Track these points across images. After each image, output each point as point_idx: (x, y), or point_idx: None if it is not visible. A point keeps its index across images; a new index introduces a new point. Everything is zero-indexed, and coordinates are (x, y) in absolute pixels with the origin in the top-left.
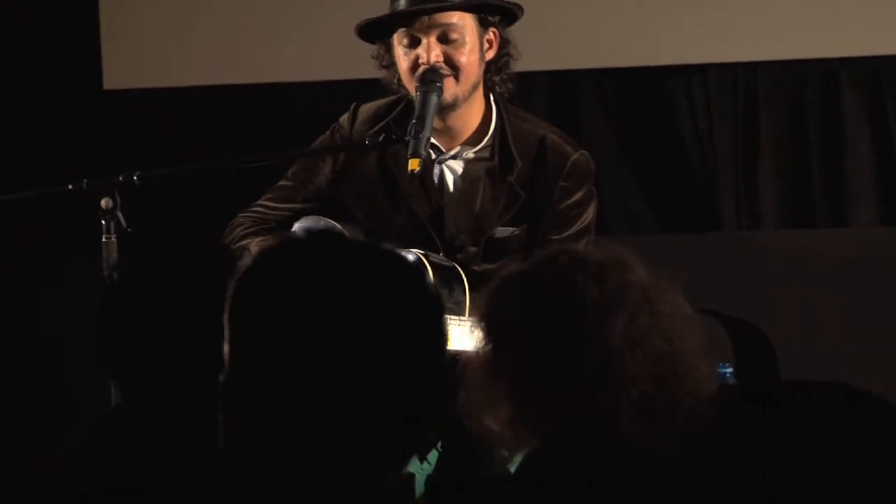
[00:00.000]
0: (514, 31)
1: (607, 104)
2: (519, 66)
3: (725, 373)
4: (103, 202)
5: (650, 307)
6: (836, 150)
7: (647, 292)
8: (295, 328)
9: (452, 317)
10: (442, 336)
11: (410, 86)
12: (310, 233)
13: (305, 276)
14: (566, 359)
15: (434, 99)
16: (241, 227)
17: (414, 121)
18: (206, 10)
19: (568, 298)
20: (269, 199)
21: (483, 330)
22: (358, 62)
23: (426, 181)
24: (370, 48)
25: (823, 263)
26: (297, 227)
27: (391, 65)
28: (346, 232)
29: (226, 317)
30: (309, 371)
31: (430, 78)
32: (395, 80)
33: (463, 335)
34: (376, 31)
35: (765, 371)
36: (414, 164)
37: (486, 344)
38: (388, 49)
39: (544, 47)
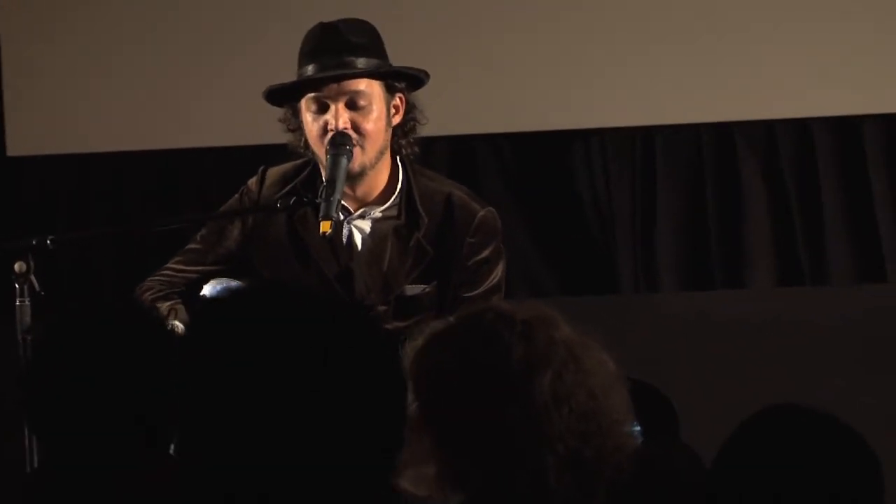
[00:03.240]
0: (416, 95)
1: (506, 168)
2: (420, 130)
3: (636, 431)
4: (17, 266)
5: (576, 364)
6: (732, 212)
7: (572, 349)
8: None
9: None
10: (398, 373)
11: (319, 150)
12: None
13: (251, 327)
14: (493, 415)
15: (344, 161)
16: (150, 291)
17: (325, 184)
18: (111, 76)
19: (494, 355)
20: (177, 262)
21: (409, 387)
22: (264, 127)
23: (335, 242)
24: (276, 112)
25: (721, 324)
26: (206, 289)
27: (298, 128)
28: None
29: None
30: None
31: (340, 141)
32: (302, 144)
33: None
34: (284, 96)
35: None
36: (325, 227)
37: (412, 400)
38: (295, 113)
39: (443, 112)
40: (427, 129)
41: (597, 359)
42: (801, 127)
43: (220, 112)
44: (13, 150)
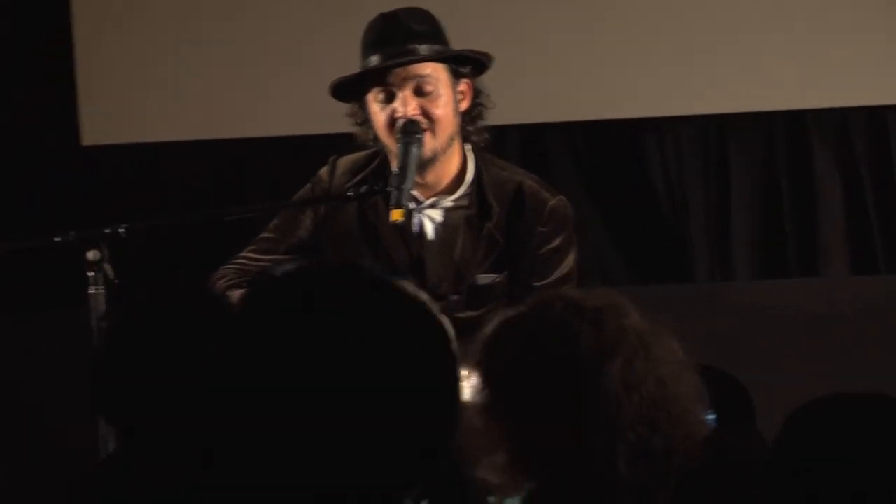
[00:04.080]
0: (487, 84)
1: (578, 157)
2: (490, 119)
3: (710, 419)
4: (90, 254)
5: (646, 352)
6: (806, 200)
7: (642, 337)
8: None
9: None
10: (453, 366)
11: (388, 140)
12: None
13: (312, 310)
14: (563, 404)
15: (415, 150)
16: (224, 280)
17: (396, 172)
18: (183, 66)
19: (564, 343)
20: (251, 251)
21: (479, 376)
22: (335, 116)
23: (406, 231)
24: (338, 103)
25: (796, 314)
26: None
27: (365, 122)
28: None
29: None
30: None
31: (410, 129)
32: (371, 138)
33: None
34: (350, 90)
35: (742, 421)
36: (397, 215)
37: (482, 389)
38: (363, 106)
39: (515, 101)
40: (499, 118)
41: (667, 346)
42: (876, 115)
43: (292, 101)
44: (88, 139)
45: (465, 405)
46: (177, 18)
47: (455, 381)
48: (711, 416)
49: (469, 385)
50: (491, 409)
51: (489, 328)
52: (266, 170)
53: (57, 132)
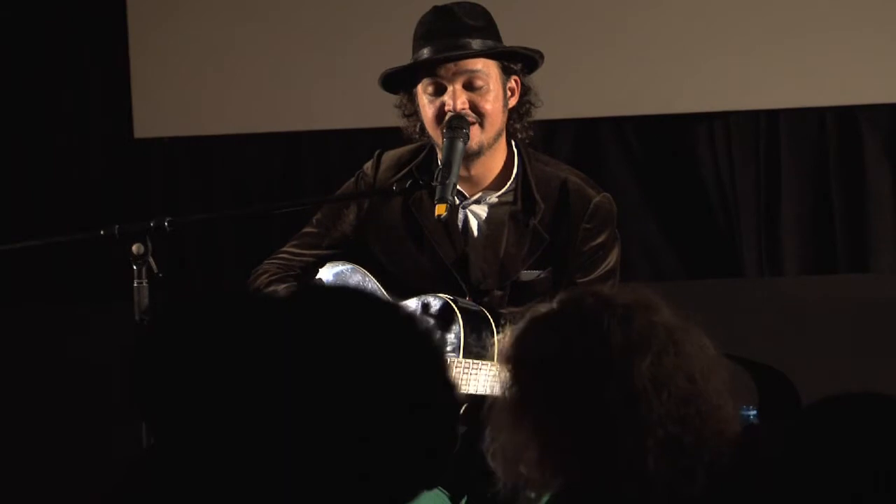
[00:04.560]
0: (540, 79)
1: (630, 151)
2: (543, 114)
3: (749, 415)
4: (135, 248)
5: (675, 348)
6: (857, 196)
7: (672, 333)
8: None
9: (480, 361)
10: (445, 380)
11: (435, 133)
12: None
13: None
14: (592, 399)
15: (460, 145)
16: (267, 275)
17: (441, 167)
18: (234, 60)
19: (594, 340)
20: (294, 246)
21: (509, 371)
22: (385, 110)
23: (451, 226)
24: (392, 96)
25: (846, 309)
26: (322, 272)
27: (413, 114)
28: (367, 277)
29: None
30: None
31: (456, 124)
32: (417, 130)
33: (490, 379)
34: (400, 81)
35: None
36: (441, 210)
37: (512, 385)
38: (411, 98)
39: (568, 96)
40: (552, 112)
41: (697, 343)
42: None
43: (341, 95)
44: (140, 132)
45: (496, 400)
46: (228, 13)
47: (449, 399)
48: (753, 412)
49: (500, 380)
50: (520, 405)
51: (520, 324)
52: (317, 163)
53: (111, 125)
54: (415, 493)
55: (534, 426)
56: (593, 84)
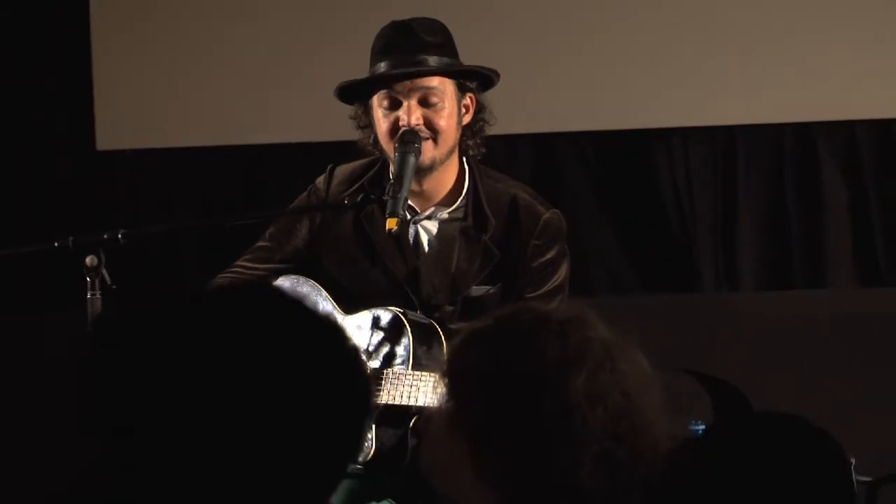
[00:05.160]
0: (499, 94)
1: (589, 166)
2: (503, 129)
3: (698, 430)
4: (88, 259)
5: (611, 364)
6: (813, 212)
7: (608, 349)
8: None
9: (428, 373)
10: (361, 393)
11: (388, 147)
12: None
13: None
14: (527, 414)
15: (412, 160)
16: None
17: (392, 181)
18: (194, 73)
19: (529, 355)
20: (247, 260)
21: (445, 385)
22: (344, 123)
23: (402, 241)
24: (349, 110)
25: (802, 324)
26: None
27: (368, 126)
28: (318, 290)
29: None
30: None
31: (409, 139)
32: (371, 142)
33: (433, 391)
34: (356, 93)
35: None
36: (392, 224)
37: (448, 399)
38: (367, 110)
39: (527, 111)
40: (511, 128)
41: (632, 359)
42: (882, 127)
43: (302, 108)
44: (102, 144)
45: (433, 413)
46: (190, 26)
47: (363, 404)
48: (701, 427)
49: (437, 395)
50: (456, 420)
51: (457, 339)
52: (278, 175)
53: (73, 137)
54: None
55: (469, 440)
56: (552, 100)
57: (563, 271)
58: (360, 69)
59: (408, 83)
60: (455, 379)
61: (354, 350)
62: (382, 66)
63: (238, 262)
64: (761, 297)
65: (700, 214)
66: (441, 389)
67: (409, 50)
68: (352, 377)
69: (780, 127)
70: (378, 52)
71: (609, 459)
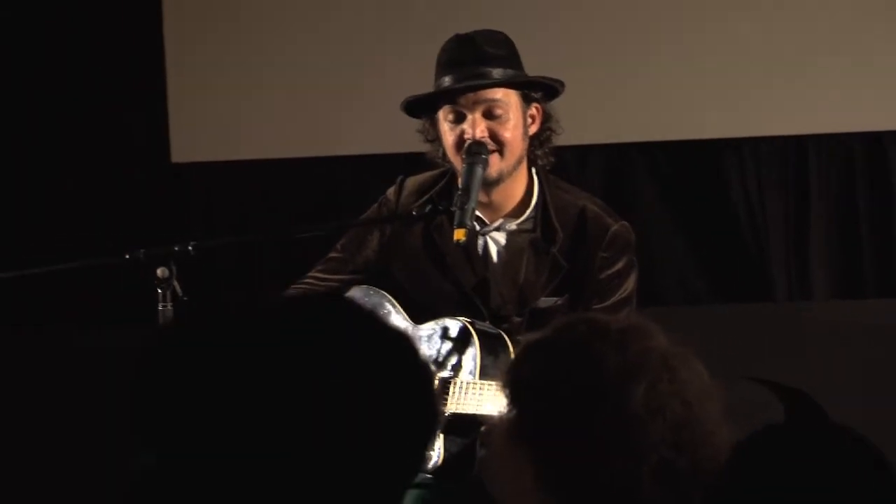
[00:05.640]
0: (571, 105)
1: (660, 176)
2: (575, 139)
3: None
4: (159, 271)
5: (670, 374)
6: (885, 221)
7: (666, 359)
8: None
9: (496, 382)
10: (427, 406)
11: (455, 159)
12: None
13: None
14: (586, 424)
15: (479, 171)
16: None
17: (459, 192)
18: (267, 86)
19: (587, 365)
20: (319, 271)
21: (506, 395)
22: (410, 135)
23: (471, 252)
24: (419, 122)
25: (874, 333)
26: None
27: (436, 139)
28: (389, 301)
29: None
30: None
31: (475, 150)
32: (440, 155)
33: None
34: (422, 107)
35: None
36: (459, 235)
37: (508, 409)
38: (434, 124)
39: (599, 122)
40: (583, 138)
41: (692, 369)
42: None
43: (372, 120)
44: (177, 156)
45: (494, 423)
46: (263, 40)
47: (430, 418)
48: None
49: (499, 406)
50: (516, 431)
51: (517, 350)
52: (352, 187)
53: (148, 149)
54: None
55: (528, 450)
56: (624, 110)
57: (630, 283)
58: (430, 80)
59: (471, 96)
60: (514, 388)
61: (424, 363)
62: (447, 80)
63: (310, 274)
64: (834, 306)
65: (772, 224)
66: (502, 399)
67: (473, 63)
68: (420, 390)
69: (850, 136)
70: (442, 66)
71: (669, 469)
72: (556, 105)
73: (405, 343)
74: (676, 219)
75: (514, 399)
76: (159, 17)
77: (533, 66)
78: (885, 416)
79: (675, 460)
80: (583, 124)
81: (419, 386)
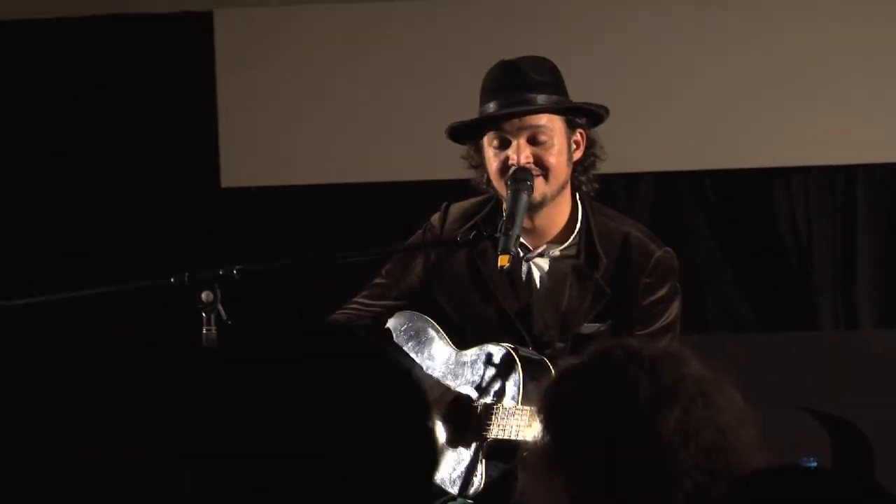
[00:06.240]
0: (619, 133)
1: (708, 204)
2: (624, 167)
3: (810, 466)
4: (204, 295)
5: (704, 400)
6: None
7: (700, 386)
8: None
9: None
10: (427, 434)
11: (500, 185)
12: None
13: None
14: (620, 451)
15: (524, 197)
16: None
17: (504, 218)
18: (316, 113)
19: (621, 392)
20: (364, 297)
21: (541, 421)
22: (457, 162)
23: (514, 278)
24: (463, 149)
25: None
26: (391, 323)
27: (480, 165)
28: (432, 326)
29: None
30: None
31: (520, 177)
32: (484, 181)
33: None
34: (466, 133)
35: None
36: (503, 261)
37: (543, 435)
38: (478, 150)
39: (648, 150)
40: (632, 166)
41: (726, 395)
42: None
43: (418, 147)
44: (227, 181)
45: (530, 448)
46: (313, 66)
47: (430, 450)
48: (813, 463)
49: (533, 431)
50: (551, 456)
51: (553, 375)
52: (400, 212)
53: (198, 174)
54: None
55: (563, 476)
56: (673, 138)
57: (674, 310)
58: (476, 107)
59: (516, 122)
60: (549, 414)
61: (421, 399)
62: (491, 107)
63: (355, 299)
64: (880, 334)
65: (819, 252)
66: (538, 425)
67: (517, 89)
68: (415, 426)
69: None
70: (487, 92)
71: (703, 495)
72: (606, 132)
73: (404, 377)
74: (723, 247)
75: (548, 424)
76: (211, 43)
77: (581, 94)
78: None
79: (710, 486)
80: (632, 152)
81: (415, 422)
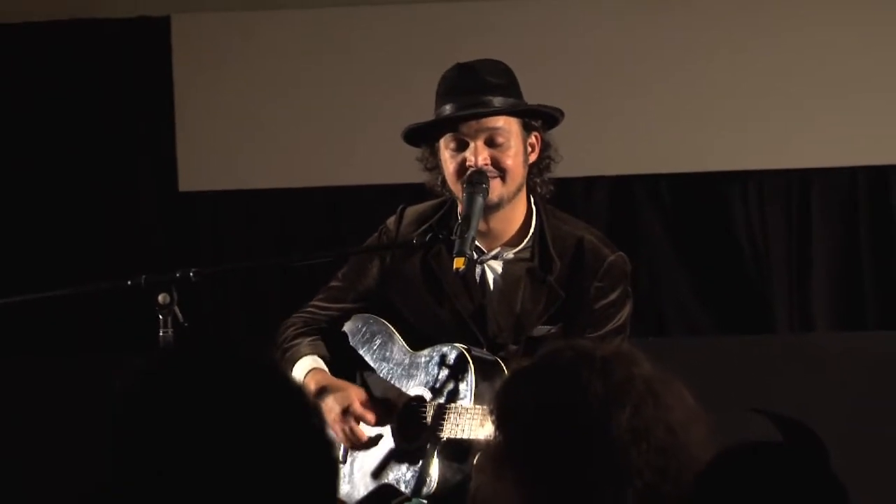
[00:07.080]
0: (577, 136)
1: (664, 208)
2: (580, 171)
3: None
4: (160, 297)
5: (654, 399)
6: (887, 253)
7: (651, 385)
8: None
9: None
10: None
11: (455, 187)
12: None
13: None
14: (572, 451)
15: (480, 200)
16: (293, 328)
17: (460, 221)
18: (273, 117)
19: (573, 392)
20: (320, 300)
21: (493, 422)
22: (414, 165)
23: (468, 280)
24: (419, 152)
25: (874, 365)
26: (347, 326)
27: (435, 167)
28: (388, 329)
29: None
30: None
31: (476, 180)
32: (439, 183)
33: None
34: (422, 136)
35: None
36: (459, 263)
37: (496, 435)
38: (433, 152)
39: (604, 153)
40: (588, 169)
41: (676, 394)
42: None
43: (376, 151)
44: (185, 185)
45: (482, 448)
46: (270, 71)
47: (329, 467)
48: None
49: (486, 431)
50: (503, 456)
51: (504, 377)
52: (355, 216)
53: (156, 178)
54: None
55: (515, 476)
56: (629, 142)
57: (624, 313)
58: (430, 110)
59: (474, 124)
60: (502, 414)
61: (318, 425)
62: (448, 109)
63: (311, 303)
64: (834, 337)
65: (774, 255)
66: (490, 425)
67: (474, 91)
68: (313, 452)
69: (853, 170)
70: (443, 95)
71: (654, 494)
72: (562, 136)
73: (298, 403)
74: (680, 250)
75: (500, 424)
76: (168, 49)
77: (537, 97)
78: (885, 447)
79: (660, 485)
80: (588, 156)
81: (312, 447)
